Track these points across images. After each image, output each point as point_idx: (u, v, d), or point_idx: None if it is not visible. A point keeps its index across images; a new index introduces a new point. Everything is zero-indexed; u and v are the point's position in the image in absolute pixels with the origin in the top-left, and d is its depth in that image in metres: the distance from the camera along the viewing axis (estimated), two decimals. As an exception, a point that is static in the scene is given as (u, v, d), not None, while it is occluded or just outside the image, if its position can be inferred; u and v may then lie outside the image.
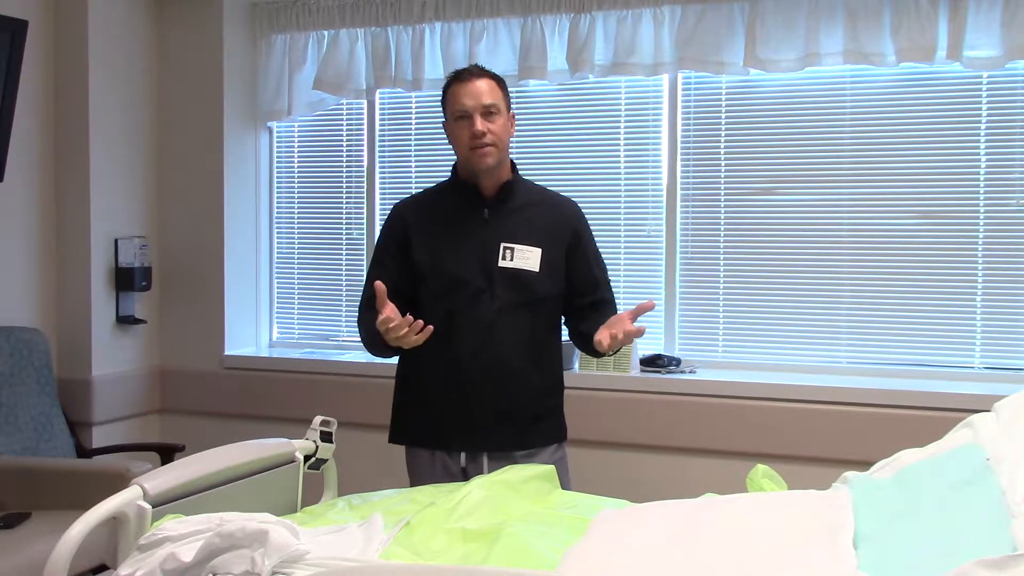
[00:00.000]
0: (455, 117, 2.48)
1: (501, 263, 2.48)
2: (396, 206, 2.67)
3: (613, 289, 2.68)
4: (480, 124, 2.43)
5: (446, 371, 2.49)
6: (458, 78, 2.49)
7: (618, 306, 2.65)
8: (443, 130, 2.58)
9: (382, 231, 2.66)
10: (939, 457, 1.87)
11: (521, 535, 1.74)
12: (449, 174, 2.62)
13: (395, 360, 2.66)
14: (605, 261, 2.70)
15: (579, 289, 2.57)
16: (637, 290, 3.71)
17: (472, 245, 2.50)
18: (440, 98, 2.56)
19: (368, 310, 2.48)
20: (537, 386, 2.54)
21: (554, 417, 2.61)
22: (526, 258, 2.49)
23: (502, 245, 2.49)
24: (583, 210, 2.70)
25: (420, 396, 2.57)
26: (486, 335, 2.46)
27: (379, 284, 2.33)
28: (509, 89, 2.51)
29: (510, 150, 2.59)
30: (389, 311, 2.30)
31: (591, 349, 2.44)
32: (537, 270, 2.49)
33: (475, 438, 2.49)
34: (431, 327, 2.30)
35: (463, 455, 2.51)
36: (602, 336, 2.31)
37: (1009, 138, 3.31)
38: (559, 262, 2.53)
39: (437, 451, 2.54)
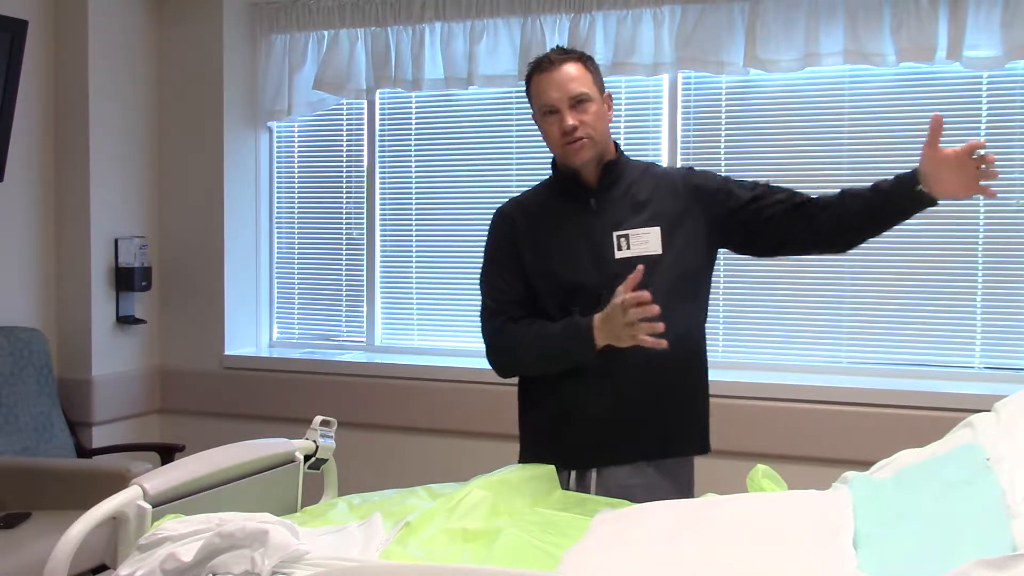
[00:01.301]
0: (542, 112, 2.22)
1: (618, 254, 2.19)
2: (500, 211, 2.37)
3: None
4: (570, 118, 2.16)
5: (570, 385, 2.22)
6: (539, 67, 2.21)
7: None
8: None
9: (490, 237, 2.35)
10: (939, 457, 1.87)
11: (521, 535, 1.74)
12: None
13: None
14: None
15: (755, 216, 2.24)
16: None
17: (582, 242, 2.22)
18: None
19: (517, 322, 2.25)
20: (674, 389, 2.24)
21: (696, 423, 2.31)
22: (644, 242, 2.19)
23: (615, 234, 2.20)
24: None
25: (543, 410, 2.30)
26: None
27: (640, 267, 2.03)
28: (509, 89, 2.39)
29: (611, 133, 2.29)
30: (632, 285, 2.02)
31: (876, 218, 2.28)
32: (660, 252, 2.19)
33: (603, 452, 2.21)
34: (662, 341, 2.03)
35: (593, 472, 2.23)
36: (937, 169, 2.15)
37: (1009, 138, 3.31)
38: (690, 233, 2.23)
39: (569, 471, 2.24)
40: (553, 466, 2.19)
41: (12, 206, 3.78)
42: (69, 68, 3.90)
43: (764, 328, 3.61)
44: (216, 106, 4.10)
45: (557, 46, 2.31)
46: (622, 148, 2.33)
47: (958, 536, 1.47)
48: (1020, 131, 3.30)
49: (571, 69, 2.19)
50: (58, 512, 3.03)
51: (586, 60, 2.24)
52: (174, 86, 4.18)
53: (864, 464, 2.11)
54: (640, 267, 2.05)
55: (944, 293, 3.41)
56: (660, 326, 2.02)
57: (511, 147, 3.82)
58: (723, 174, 2.39)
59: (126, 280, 4.01)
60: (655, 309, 2.00)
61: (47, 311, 3.92)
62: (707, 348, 2.35)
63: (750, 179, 2.33)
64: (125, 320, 4.05)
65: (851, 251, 3.43)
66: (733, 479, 2.30)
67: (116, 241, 4.01)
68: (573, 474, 2.25)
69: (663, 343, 2.02)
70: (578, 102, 2.18)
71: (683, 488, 2.29)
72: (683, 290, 2.23)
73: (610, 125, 2.28)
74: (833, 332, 3.54)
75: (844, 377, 3.45)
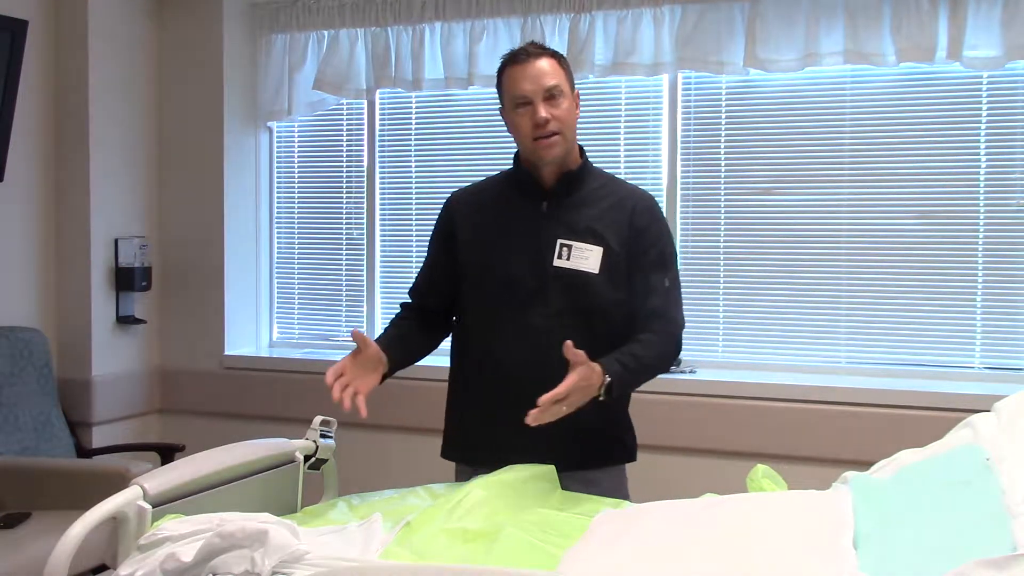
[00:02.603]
0: (514, 104, 2.20)
1: (556, 262, 2.20)
2: (448, 197, 2.42)
3: (681, 302, 2.32)
4: (543, 111, 2.16)
5: (490, 383, 2.25)
6: (514, 60, 2.21)
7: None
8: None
9: (435, 222, 2.43)
10: (939, 457, 1.87)
11: (521, 535, 1.74)
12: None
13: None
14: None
15: (632, 295, 2.24)
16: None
17: (526, 242, 2.23)
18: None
19: (403, 310, 2.42)
20: (593, 403, 2.14)
21: (613, 436, 2.33)
22: (584, 257, 2.20)
23: (559, 242, 2.21)
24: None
25: (463, 409, 2.37)
26: (536, 344, 2.16)
27: (356, 332, 2.20)
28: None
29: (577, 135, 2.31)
30: (339, 368, 2.18)
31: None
32: (596, 271, 2.20)
33: (518, 457, 2.14)
34: (362, 410, 2.14)
35: None
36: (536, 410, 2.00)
37: (1009, 138, 3.31)
38: (621, 263, 2.23)
39: (479, 468, 2.23)
40: (553, 466, 2.19)
41: (12, 206, 3.78)
42: (69, 68, 3.90)
43: (764, 328, 3.61)
44: (216, 106, 4.10)
45: (532, 42, 2.32)
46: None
47: (958, 536, 1.47)
48: (1020, 131, 3.30)
49: (545, 64, 2.20)
50: (58, 512, 3.02)
51: (559, 58, 2.25)
52: (174, 86, 4.18)
53: (864, 464, 2.11)
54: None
55: (944, 293, 3.40)
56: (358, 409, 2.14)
57: (511, 147, 3.80)
58: (662, 242, 2.29)
59: (126, 280, 4.01)
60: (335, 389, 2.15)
61: (47, 311, 3.92)
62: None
63: (671, 270, 2.29)
64: (125, 320, 4.05)
65: (850, 251, 3.47)
66: (733, 479, 2.30)
67: (116, 241, 4.01)
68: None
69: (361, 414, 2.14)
70: (551, 96, 2.18)
71: (616, 495, 2.27)
72: (607, 315, 2.23)
73: (578, 123, 2.28)
74: (832, 332, 3.54)
75: (844, 377, 3.45)
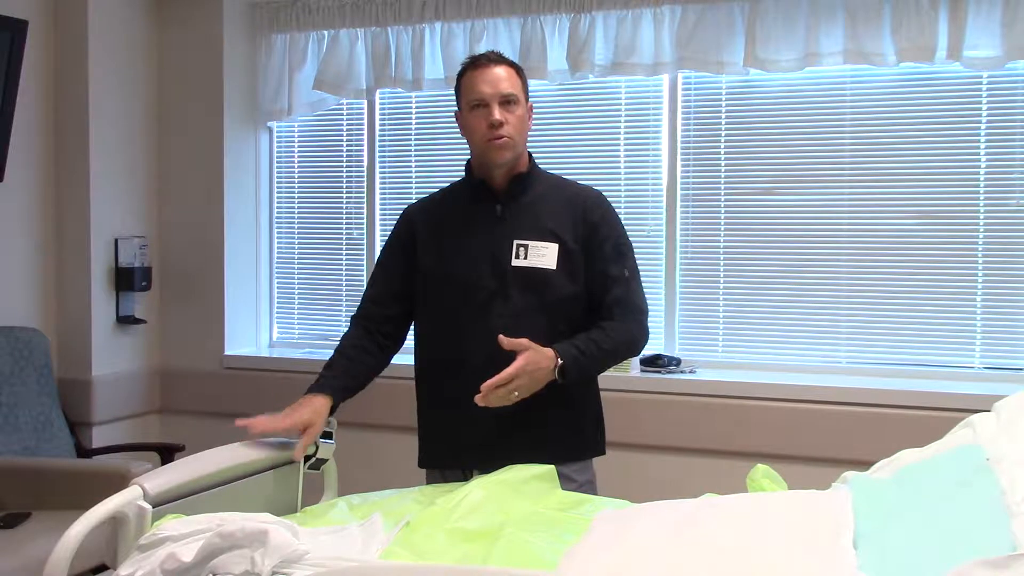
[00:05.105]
0: (471, 106, 2.29)
1: (515, 262, 2.28)
2: (404, 211, 2.50)
3: (642, 290, 2.40)
4: (498, 114, 2.25)
5: (456, 384, 2.27)
6: (475, 64, 2.31)
7: (648, 306, 2.41)
8: (455, 122, 2.35)
9: (390, 233, 2.50)
10: (939, 457, 1.87)
11: (521, 535, 1.74)
12: (463, 172, 2.41)
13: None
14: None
15: (593, 289, 2.33)
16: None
17: (484, 245, 2.31)
18: (453, 92, 2.36)
19: (356, 327, 2.43)
20: (558, 396, 2.24)
21: (581, 431, 2.38)
22: (541, 255, 2.29)
23: (515, 242, 2.29)
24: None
25: (431, 412, 2.42)
26: (498, 344, 2.16)
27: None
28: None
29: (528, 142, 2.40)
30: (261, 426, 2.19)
31: None
32: (554, 267, 2.29)
33: (488, 455, 2.21)
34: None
35: (476, 473, 2.24)
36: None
37: (1009, 138, 3.31)
38: (577, 258, 2.31)
39: (450, 471, 2.35)
40: (553, 467, 2.19)
41: (12, 206, 3.78)
42: (69, 68, 3.89)
43: (764, 328, 3.61)
44: (216, 106, 4.10)
45: (492, 51, 2.40)
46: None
47: (958, 536, 1.47)
48: (1020, 131, 3.30)
49: (503, 71, 2.30)
50: (58, 512, 3.03)
51: (518, 68, 2.35)
52: (174, 86, 4.18)
53: (864, 464, 2.11)
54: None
55: (944, 293, 3.41)
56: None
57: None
58: (616, 234, 2.37)
59: (126, 280, 4.01)
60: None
61: (47, 311, 3.92)
62: None
63: (629, 262, 2.37)
64: (125, 320, 4.05)
65: (850, 251, 3.47)
66: (733, 479, 2.30)
67: (116, 241, 4.01)
68: (475, 473, 2.27)
69: None
70: (507, 101, 2.28)
71: (588, 489, 2.32)
72: (566, 307, 2.31)
73: (529, 133, 2.37)
74: (832, 332, 3.54)
75: (844, 377, 3.45)
